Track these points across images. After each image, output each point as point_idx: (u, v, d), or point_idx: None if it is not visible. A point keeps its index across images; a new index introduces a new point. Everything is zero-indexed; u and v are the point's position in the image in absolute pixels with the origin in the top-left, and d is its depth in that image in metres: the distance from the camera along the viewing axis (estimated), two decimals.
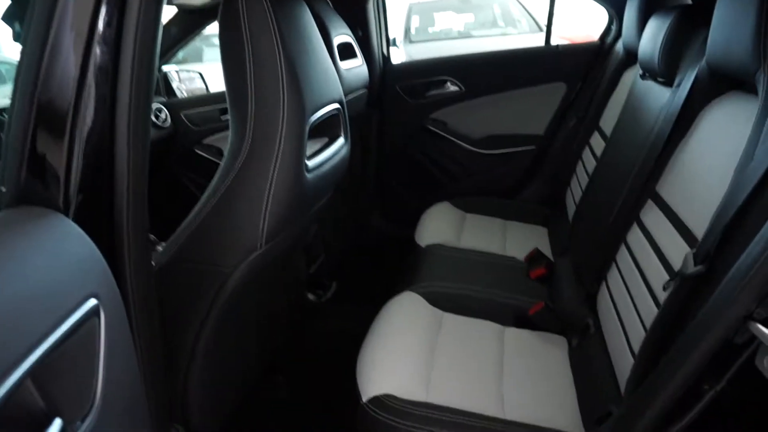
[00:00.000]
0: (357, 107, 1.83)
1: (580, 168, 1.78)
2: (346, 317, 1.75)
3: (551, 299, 1.39)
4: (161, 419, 0.87)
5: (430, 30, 6.24)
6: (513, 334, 1.24)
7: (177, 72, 2.30)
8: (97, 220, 0.64)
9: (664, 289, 0.82)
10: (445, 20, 6.39)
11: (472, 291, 1.39)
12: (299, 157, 0.91)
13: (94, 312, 0.48)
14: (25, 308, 0.43)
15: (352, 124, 1.92)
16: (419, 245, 1.67)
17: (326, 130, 1.13)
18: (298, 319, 1.56)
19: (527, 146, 2.06)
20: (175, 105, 2.03)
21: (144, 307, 0.73)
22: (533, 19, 5.97)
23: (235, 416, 1.21)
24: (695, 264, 0.76)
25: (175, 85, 2.23)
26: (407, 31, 5.91)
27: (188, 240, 0.90)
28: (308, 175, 0.95)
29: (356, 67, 1.74)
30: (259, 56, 0.87)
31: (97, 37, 0.59)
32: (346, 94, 1.64)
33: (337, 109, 1.10)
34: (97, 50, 0.59)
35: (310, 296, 1.59)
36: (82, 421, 0.47)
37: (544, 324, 1.25)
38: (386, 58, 2.08)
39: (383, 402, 0.97)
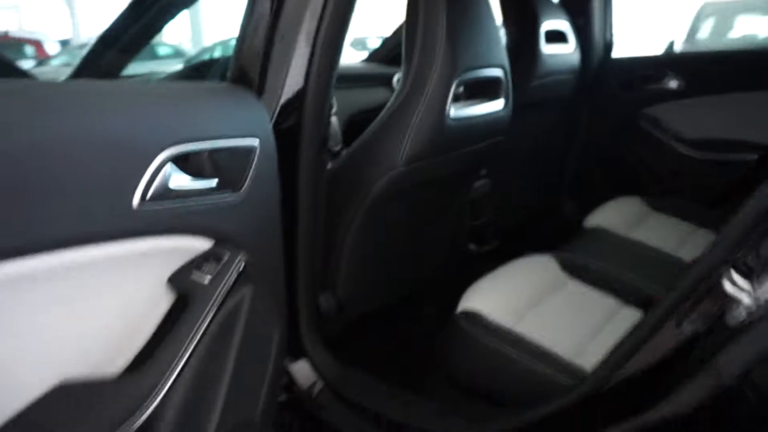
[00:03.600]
0: (560, 90, 1.94)
1: None
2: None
3: None
4: (314, 284, 1.23)
5: (729, 36, 5.49)
6: (629, 312, 1.27)
7: None
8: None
9: None
10: (750, 25, 5.54)
11: (612, 271, 1.42)
12: (443, 104, 1.15)
13: (251, 148, 0.85)
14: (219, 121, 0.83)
15: (555, 107, 2.04)
16: (583, 226, 1.73)
17: (489, 92, 1.34)
18: (456, 264, 1.80)
19: (747, 154, 1.86)
20: None
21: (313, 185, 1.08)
22: None
23: (375, 319, 1.51)
24: None
25: None
26: (691, 35, 5.31)
27: (353, 153, 1.24)
28: (450, 122, 1.19)
29: (564, 53, 1.86)
30: (428, 22, 1.13)
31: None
32: (544, 76, 1.80)
33: (499, 73, 1.30)
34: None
35: (472, 246, 1.82)
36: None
37: None
38: (608, 50, 2.11)
39: (470, 315, 1.17)
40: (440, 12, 1.12)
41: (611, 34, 2.12)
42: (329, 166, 1.24)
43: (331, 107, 1.18)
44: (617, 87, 2.12)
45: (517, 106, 1.78)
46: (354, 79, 1.87)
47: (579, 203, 2.33)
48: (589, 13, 2.01)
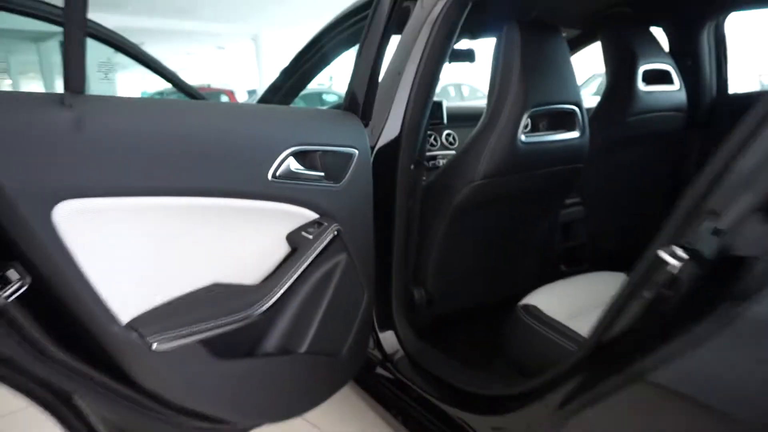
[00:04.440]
0: (666, 126, 2.03)
1: None
2: None
3: None
4: (406, 276, 1.53)
5: None
6: None
7: None
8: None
9: None
10: None
11: None
12: (514, 131, 1.40)
13: (351, 154, 1.19)
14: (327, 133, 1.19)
15: (661, 142, 2.13)
16: None
17: (565, 125, 1.55)
18: (546, 281, 1.96)
19: None
20: None
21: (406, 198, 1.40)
22: None
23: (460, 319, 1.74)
24: None
25: None
26: None
27: (444, 169, 1.53)
28: (520, 145, 1.42)
29: (665, 90, 1.97)
30: (505, 62, 1.40)
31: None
32: (642, 112, 1.94)
33: (572, 108, 1.51)
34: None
35: (563, 266, 1.97)
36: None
37: None
38: (721, 87, 2.15)
39: (528, 308, 1.37)
40: (515, 54, 1.38)
41: (726, 72, 2.16)
42: (425, 178, 1.55)
43: (426, 134, 1.50)
44: (731, 124, 2.12)
45: (614, 140, 1.94)
46: (474, 118, 2.19)
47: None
48: (698, 54, 2.09)
